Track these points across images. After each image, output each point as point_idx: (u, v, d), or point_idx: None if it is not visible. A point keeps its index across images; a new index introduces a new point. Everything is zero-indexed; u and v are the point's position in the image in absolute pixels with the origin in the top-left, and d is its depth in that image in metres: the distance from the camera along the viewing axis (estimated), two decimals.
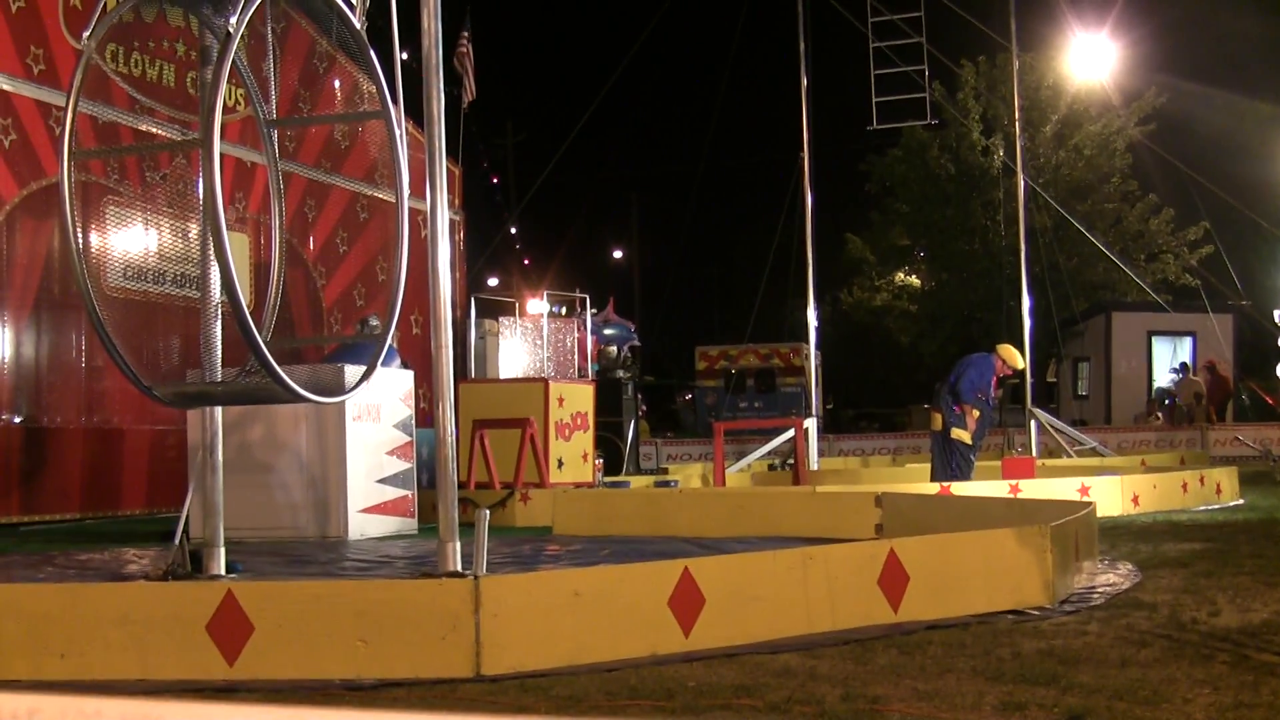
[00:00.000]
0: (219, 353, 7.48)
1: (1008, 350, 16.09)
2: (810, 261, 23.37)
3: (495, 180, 46.15)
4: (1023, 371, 17.88)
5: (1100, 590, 7.54)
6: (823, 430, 26.07)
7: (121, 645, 5.70)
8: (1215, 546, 10.01)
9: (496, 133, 49.20)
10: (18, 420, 14.85)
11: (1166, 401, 33.27)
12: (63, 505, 15.20)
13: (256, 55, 8.03)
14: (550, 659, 5.69)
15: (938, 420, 15.93)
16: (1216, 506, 14.30)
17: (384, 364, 11.21)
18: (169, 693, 5.28)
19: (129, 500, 16.03)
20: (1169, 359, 35.46)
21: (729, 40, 34.52)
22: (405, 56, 7.50)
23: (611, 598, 5.95)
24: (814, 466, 20.94)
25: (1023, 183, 24.42)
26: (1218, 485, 14.98)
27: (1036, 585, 6.97)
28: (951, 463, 15.61)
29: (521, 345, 20.13)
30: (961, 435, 15.55)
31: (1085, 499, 12.04)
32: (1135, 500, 13.82)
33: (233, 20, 6.50)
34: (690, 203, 47.65)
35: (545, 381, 16.96)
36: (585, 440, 17.11)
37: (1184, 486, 14.57)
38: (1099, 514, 10.23)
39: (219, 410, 8.08)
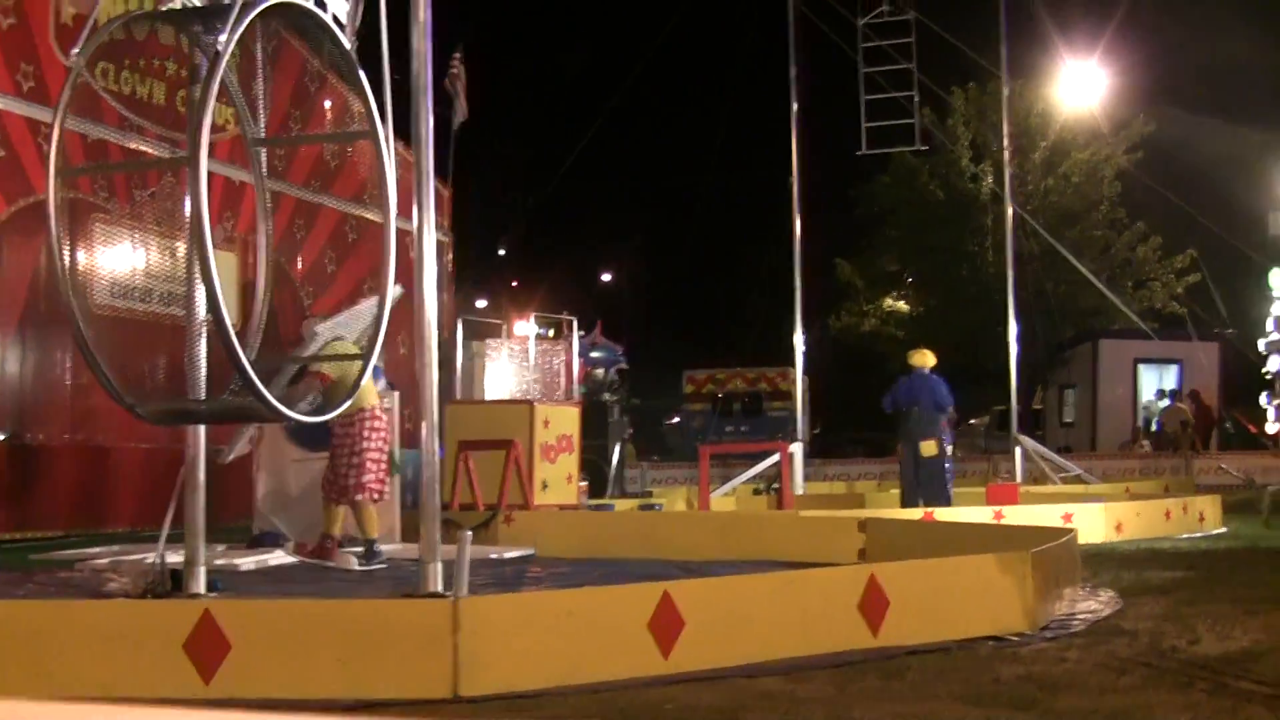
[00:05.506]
0: (204, 371, 7.44)
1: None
2: (798, 286, 23.37)
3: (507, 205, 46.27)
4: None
5: (1081, 617, 7.56)
6: (810, 455, 26.07)
7: (94, 662, 5.68)
8: (1197, 574, 10.03)
9: (495, 155, 49.07)
10: (3, 437, 14.82)
11: (1154, 428, 33.31)
12: (49, 522, 15.15)
13: (247, 74, 8.02)
14: (529, 680, 5.68)
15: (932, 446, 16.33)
16: (1199, 535, 14.32)
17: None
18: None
19: (115, 518, 15.97)
20: (1155, 386, 35.53)
21: (720, 65, 34.56)
22: (399, 77, 7.49)
23: (591, 620, 5.95)
24: (799, 491, 20.95)
25: (1011, 210, 24.52)
26: (1201, 513, 15.01)
27: (1017, 611, 6.97)
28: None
29: (508, 367, 20.14)
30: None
31: (1068, 525, 12.07)
32: (1119, 527, 13.84)
33: (222, 38, 6.49)
34: (683, 226, 47.78)
35: (531, 403, 16.92)
36: (571, 463, 17.07)
37: (1167, 514, 14.61)
38: (1082, 541, 10.26)
39: (202, 429, 8.05)
